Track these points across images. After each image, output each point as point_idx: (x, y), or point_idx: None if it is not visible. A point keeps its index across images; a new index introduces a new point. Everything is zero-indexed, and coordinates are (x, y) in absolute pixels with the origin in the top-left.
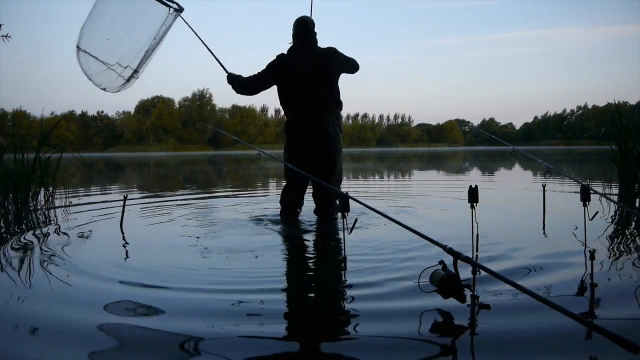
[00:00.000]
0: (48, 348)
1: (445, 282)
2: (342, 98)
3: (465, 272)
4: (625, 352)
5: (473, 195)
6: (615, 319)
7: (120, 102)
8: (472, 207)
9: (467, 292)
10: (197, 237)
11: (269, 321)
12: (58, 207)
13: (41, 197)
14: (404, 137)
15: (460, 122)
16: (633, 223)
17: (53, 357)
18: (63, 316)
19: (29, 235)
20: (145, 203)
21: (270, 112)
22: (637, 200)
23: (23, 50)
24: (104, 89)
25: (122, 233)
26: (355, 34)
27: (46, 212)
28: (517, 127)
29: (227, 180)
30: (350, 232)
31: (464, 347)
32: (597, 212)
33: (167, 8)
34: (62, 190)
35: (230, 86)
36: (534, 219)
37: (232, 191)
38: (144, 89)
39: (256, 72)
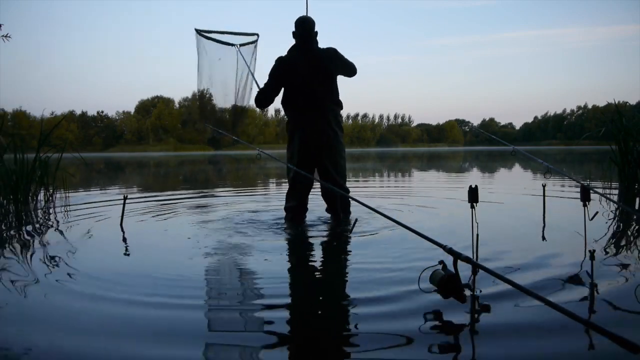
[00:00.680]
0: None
1: (445, 282)
2: (341, 98)
3: (465, 272)
4: (626, 352)
5: (473, 195)
6: (615, 319)
7: (120, 102)
8: (472, 207)
9: (467, 292)
10: (198, 239)
11: (269, 321)
12: (58, 207)
13: (41, 197)
14: (404, 137)
15: (460, 122)
16: (633, 223)
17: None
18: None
19: (29, 236)
20: (145, 203)
21: (271, 112)
22: (637, 200)
23: (23, 50)
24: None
25: (122, 232)
26: (355, 34)
27: (46, 212)
28: (517, 127)
29: (227, 180)
30: (351, 232)
31: (464, 347)
32: (597, 212)
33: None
34: (62, 190)
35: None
36: (534, 219)
37: (232, 191)
38: (144, 89)
39: (262, 86)
